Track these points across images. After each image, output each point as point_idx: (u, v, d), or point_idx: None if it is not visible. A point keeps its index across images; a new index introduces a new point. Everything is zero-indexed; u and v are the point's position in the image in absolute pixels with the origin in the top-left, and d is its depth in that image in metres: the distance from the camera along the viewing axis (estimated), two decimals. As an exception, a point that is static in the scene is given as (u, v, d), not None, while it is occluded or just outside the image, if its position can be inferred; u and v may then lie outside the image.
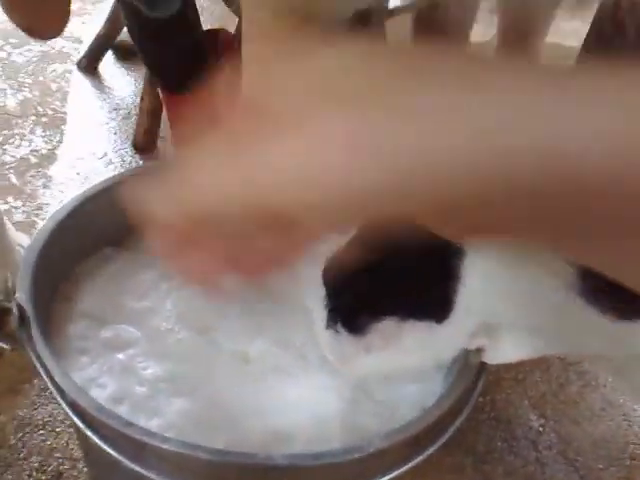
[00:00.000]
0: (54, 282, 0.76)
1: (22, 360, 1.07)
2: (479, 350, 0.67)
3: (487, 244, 0.59)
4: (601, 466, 1.06)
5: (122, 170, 1.53)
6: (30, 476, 0.95)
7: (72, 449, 0.99)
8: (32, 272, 0.69)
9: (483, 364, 0.68)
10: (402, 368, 0.67)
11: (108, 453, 0.59)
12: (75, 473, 0.96)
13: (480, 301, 0.61)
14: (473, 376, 0.67)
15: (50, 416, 1.03)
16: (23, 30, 1.02)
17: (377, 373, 0.68)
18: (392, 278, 0.62)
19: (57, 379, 0.60)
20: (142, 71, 1.61)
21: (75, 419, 0.59)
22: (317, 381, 0.69)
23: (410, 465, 0.63)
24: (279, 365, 0.70)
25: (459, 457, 1.04)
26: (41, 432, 1.01)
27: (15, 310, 0.62)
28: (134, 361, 0.71)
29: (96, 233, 0.81)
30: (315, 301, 0.69)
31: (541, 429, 1.10)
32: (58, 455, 0.98)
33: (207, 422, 0.66)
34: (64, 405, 0.60)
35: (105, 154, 1.58)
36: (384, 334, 0.62)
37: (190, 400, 0.68)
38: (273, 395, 0.68)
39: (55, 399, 0.99)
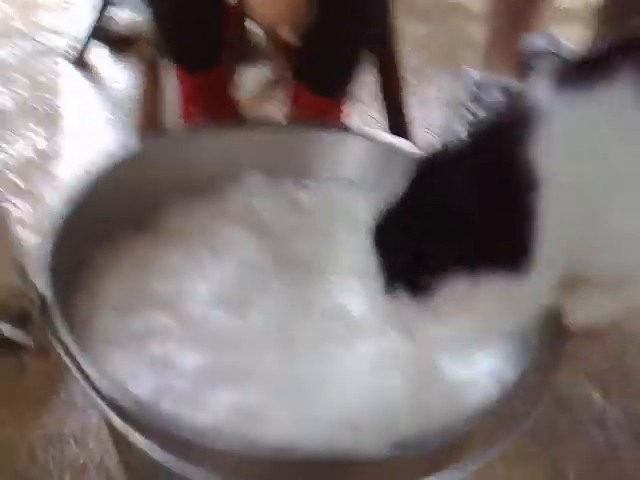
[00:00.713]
0: (72, 273, 0.69)
1: (47, 371, 1.02)
2: (560, 310, 0.59)
3: (569, 177, 0.51)
4: (675, 442, 0.98)
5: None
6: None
7: (107, 466, 0.92)
8: (49, 265, 0.62)
9: (564, 330, 0.60)
10: (479, 334, 0.58)
11: (150, 456, 0.51)
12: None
13: (564, 240, 0.53)
14: (558, 344, 0.59)
15: (81, 430, 0.95)
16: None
17: (448, 343, 0.60)
18: (453, 227, 0.54)
19: (91, 375, 0.53)
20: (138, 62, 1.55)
21: (113, 417, 0.52)
22: (377, 354, 0.61)
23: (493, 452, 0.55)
24: (331, 339, 0.63)
25: (524, 445, 0.96)
26: (72, 448, 0.94)
27: (36, 303, 0.55)
28: (170, 352, 0.64)
29: (111, 217, 0.74)
30: (366, 268, 0.61)
31: (606, 408, 1.02)
32: (93, 473, 0.91)
33: (260, 414, 0.58)
34: (99, 402, 0.52)
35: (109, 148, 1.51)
36: (454, 295, 0.54)
37: (239, 391, 0.60)
38: (330, 376, 0.60)
39: (86, 410, 0.94)
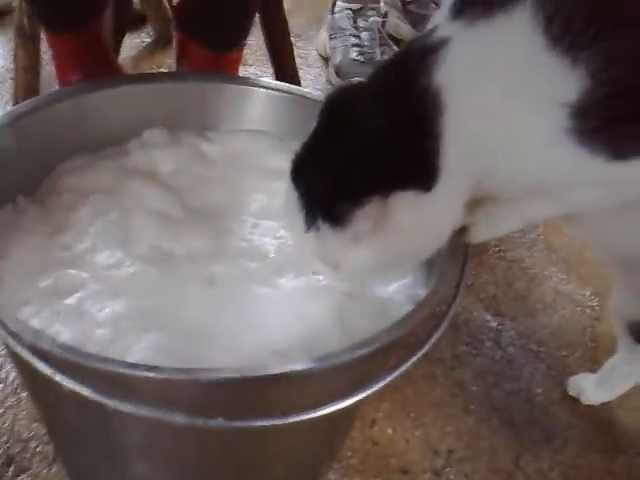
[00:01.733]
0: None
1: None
2: (463, 230, 0.63)
3: (470, 96, 0.54)
4: (565, 353, 1.06)
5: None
6: (-25, 467, 0.85)
7: (18, 430, 0.89)
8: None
9: (467, 249, 0.64)
10: (400, 254, 0.60)
11: (84, 396, 0.51)
12: (27, 455, 0.87)
13: (469, 159, 0.56)
14: (460, 264, 0.63)
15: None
16: None
17: (373, 265, 0.61)
18: (361, 152, 0.56)
19: (10, 325, 0.51)
20: (8, 32, 1.46)
21: (38, 364, 0.50)
22: (300, 289, 0.63)
23: (413, 361, 0.58)
24: (253, 279, 0.64)
25: (429, 367, 1.01)
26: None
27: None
28: (85, 304, 0.63)
29: (8, 184, 0.71)
30: (289, 209, 0.62)
31: (500, 327, 1.10)
32: (3, 439, 0.88)
33: (188, 354, 0.58)
34: (23, 352, 0.51)
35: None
36: (368, 217, 0.56)
37: (162, 334, 0.60)
38: (255, 313, 0.62)
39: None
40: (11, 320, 0.52)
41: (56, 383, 0.50)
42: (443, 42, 0.55)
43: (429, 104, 0.54)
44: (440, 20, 0.57)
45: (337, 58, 1.61)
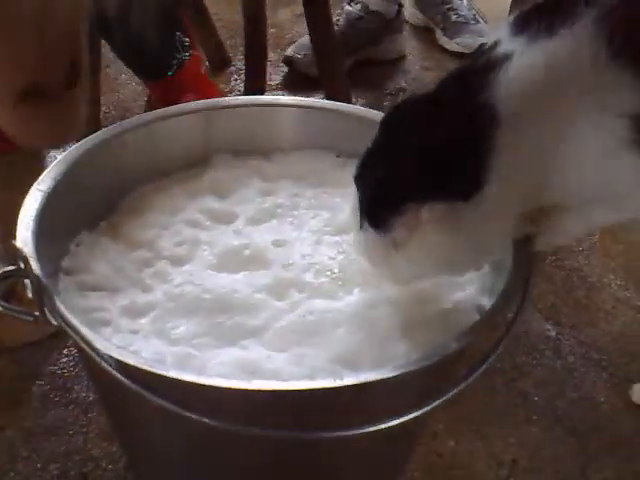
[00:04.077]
0: (53, 259, 0.69)
1: (16, 369, 1.01)
2: (528, 239, 0.64)
3: (528, 112, 0.55)
4: (626, 360, 1.05)
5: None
6: (53, 485, 0.88)
7: (90, 449, 0.92)
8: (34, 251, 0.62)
9: (532, 259, 0.65)
10: (440, 263, 0.62)
11: (167, 411, 0.53)
12: (100, 472, 0.90)
13: (520, 173, 0.57)
14: (525, 274, 0.63)
15: (59, 420, 0.95)
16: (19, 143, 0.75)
17: (416, 272, 0.63)
18: (405, 161, 0.58)
19: (97, 345, 0.54)
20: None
21: (125, 380, 0.53)
22: (366, 301, 0.65)
23: (481, 370, 0.59)
24: (319, 293, 0.66)
25: (488, 378, 1.01)
26: (53, 438, 0.93)
27: (33, 281, 0.55)
28: (160, 322, 0.65)
29: (87, 204, 0.75)
30: (342, 222, 0.65)
31: (560, 336, 1.09)
32: (77, 458, 0.91)
33: (261, 367, 0.60)
34: (110, 369, 0.54)
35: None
36: (404, 225, 0.58)
37: (235, 349, 0.62)
38: (323, 325, 0.63)
39: (62, 402, 0.94)
40: (97, 339, 0.54)
41: (141, 398, 0.52)
42: (505, 58, 0.56)
43: (484, 119, 0.55)
44: (502, 35, 0.58)
45: None
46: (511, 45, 0.56)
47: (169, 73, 1.23)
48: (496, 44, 0.58)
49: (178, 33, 1.25)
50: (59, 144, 0.81)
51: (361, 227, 0.62)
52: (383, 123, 0.61)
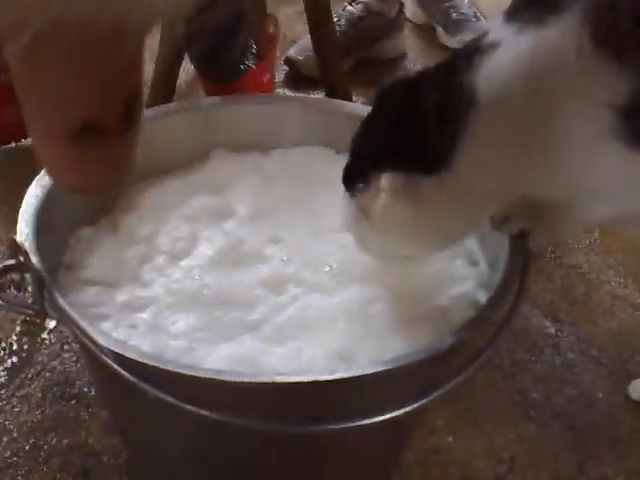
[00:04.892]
0: (54, 253, 0.70)
1: (18, 363, 1.01)
2: (524, 234, 0.64)
3: (509, 99, 0.55)
4: (626, 357, 1.05)
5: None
6: (55, 479, 0.89)
7: (92, 443, 0.93)
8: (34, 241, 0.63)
9: (528, 255, 0.65)
10: (400, 238, 0.62)
11: (170, 404, 0.54)
12: (101, 467, 0.90)
13: (496, 160, 0.56)
14: (521, 270, 0.64)
15: (61, 415, 0.96)
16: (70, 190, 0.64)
17: (381, 243, 0.64)
18: (380, 130, 0.59)
19: (97, 338, 0.55)
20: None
21: (125, 374, 0.54)
22: (364, 297, 0.65)
23: (477, 364, 0.60)
24: (318, 288, 0.67)
25: (487, 375, 1.02)
26: (55, 433, 0.94)
27: (33, 276, 0.56)
28: (160, 317, 0.66)
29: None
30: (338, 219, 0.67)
31: (559, 333, 1.09)
32: (79, 452, 0.92)
33: (257, 361, 0.61)
34: (110, 363, 0.54)
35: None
36: (368, 190, 0.59)
37: (233, 344, 0.63)
38: (320, 320, 0.64)
39: (64, 396, 0.94)
40: (97, 333, 0.55)
41: (140, 392, 0.53)
42: (492, 45, 0.56)
43: (461, 99, 0.55)
44: (493, 24, 0.58)
45: None
46: (500, 33, 0.56)
47: (233, 78, 1.27)
48: (486, 32, 0.58)
49: (250, 40, 1.28)
50: (112, 190, 0.68)
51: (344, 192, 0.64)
52: (375, 97, 0.62)
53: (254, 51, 1.29)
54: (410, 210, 0.59)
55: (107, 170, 0.59)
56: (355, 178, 0.61)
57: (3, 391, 0.98)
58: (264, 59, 1.32)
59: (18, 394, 0.98)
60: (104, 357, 0.54)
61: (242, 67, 1.26)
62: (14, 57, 0.49)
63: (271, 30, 1.44)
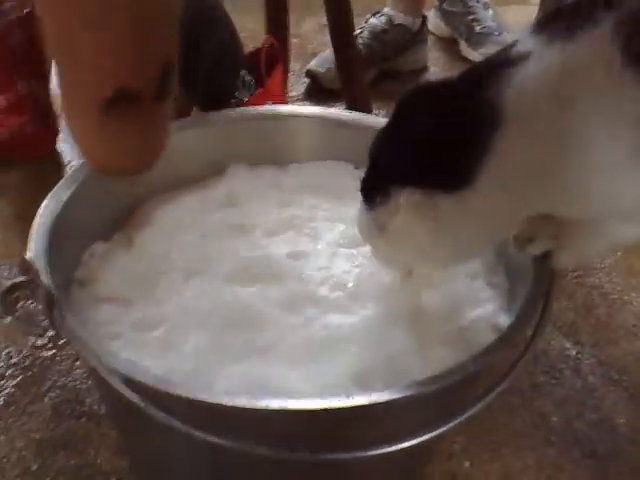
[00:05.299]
0: (66, 270, 0.68)
1: (28, 380, 1.00)
2: (548, 255, 0.62)
3: (538, 116, 0.53)
4: (648, 381, 1.03)
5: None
6: (62, 499, 0.87)
7: (100, 463, 0.91)
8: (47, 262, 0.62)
9: (552, 276, 0.63)
10: (418, 254, 0.61)
11: (177, 430, 0.52)
12: (110, 488, 0.89)
13: (520, 179, 0.54)
14: (545, 291, 0.62)
15: (70, 433, 0.94)
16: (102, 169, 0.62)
17: (394, 257, 0.63)
18: (401, 144, 0.57)
19: (106, 360, 0.53)
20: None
21: (134, 398, 0.52)
22: (380, 316, 0.63)
23: (498, 390, 0.58)
24: (333, 307, 0.65)
25: (507, 398, 0.99)
26: (63, 452, 0.92)
27: (43, 294, 0.54)
28: (171, 336, 0.64)
29: (100, 218, 0.75)
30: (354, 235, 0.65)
31: (580, 355, 1.07)
32: (87, 472, 0.90)
33: (269, 382, 0.59)
34: (118, 386, 0.52)
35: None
36: (386, 205, 0.57)
37: (245, 365, 0.61)
38: (336, 340, 0.62)
39: (74, 414, 0.93)
40: (105, 353, 0.53)
41: (148, 415, 0.51)
42: (522, 57, 0.54)
43: (486, 115, 0.53)
44: (522, 35, 0.56)
45: None
46: (529, 45, 0.54)
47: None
48: (515, 43, 0.56)
49: (243, 72, 1.25)
50: (149, 167, 0.61)
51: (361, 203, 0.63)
52: (396, 104, 0.60)
53: (249, 81, 1.26)
54: (428, 226, 0.57)
55: (140, 144, 0.58)
56: (373, 191, 0.60)
57: (13, 407, 0.96)
58: (264, 86, 1.28)
59: (28, 410, 0.97)
60: (112, 379, 0.52)
61: (233, 100, 1.23)
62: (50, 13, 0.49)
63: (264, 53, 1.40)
